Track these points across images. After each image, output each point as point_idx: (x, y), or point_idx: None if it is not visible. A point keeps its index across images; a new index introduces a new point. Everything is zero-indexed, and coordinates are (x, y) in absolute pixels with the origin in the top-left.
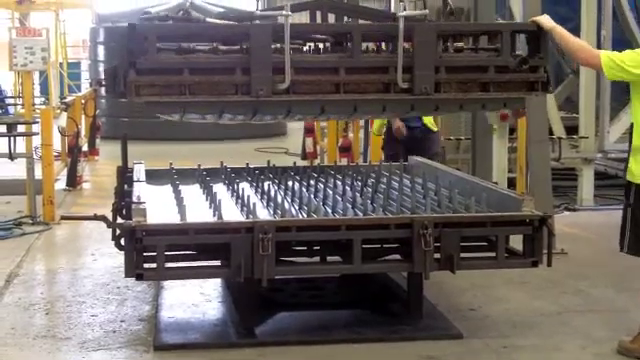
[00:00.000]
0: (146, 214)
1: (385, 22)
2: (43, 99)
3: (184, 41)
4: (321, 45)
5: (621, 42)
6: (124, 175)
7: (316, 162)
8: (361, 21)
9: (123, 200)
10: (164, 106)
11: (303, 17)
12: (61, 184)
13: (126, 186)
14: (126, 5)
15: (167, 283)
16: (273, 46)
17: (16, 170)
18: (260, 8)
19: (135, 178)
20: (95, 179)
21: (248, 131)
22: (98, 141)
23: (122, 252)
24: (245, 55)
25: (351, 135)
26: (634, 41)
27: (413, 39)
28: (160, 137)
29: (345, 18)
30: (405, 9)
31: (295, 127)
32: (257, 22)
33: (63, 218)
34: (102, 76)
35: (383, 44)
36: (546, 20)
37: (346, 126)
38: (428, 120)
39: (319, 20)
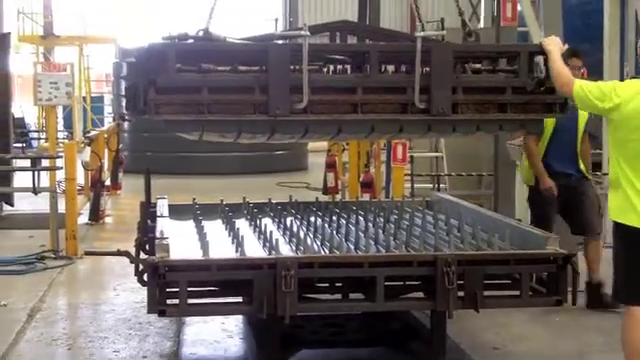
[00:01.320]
0: (169, 250)
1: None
2: (66, 133)
3: (204, 60)
4: (340, 67)
5: None
6: (147, 210)
7: (338, 197)
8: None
9: (146, 235)
10: (183, 124)
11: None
12: (83, 218)
13: (149, 221)
14: (149, 40)
15: (189, 319)
16: (292, 67)
17: (39, 204)
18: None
19: (158, 213)
20: (117, 213)
21: (269, 165)
22: (121, 175)
23: (145, 287)
24: (263, 74)
25: (373, 170)
26: None
27: (430, 59)
28: (182, 171)
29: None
30: (423, 29)
31: (316, 161)
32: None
33: (87, 253)
34: (125, 110)
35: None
36: (547, 42)
37: (368, 161)
38: (584, 165)
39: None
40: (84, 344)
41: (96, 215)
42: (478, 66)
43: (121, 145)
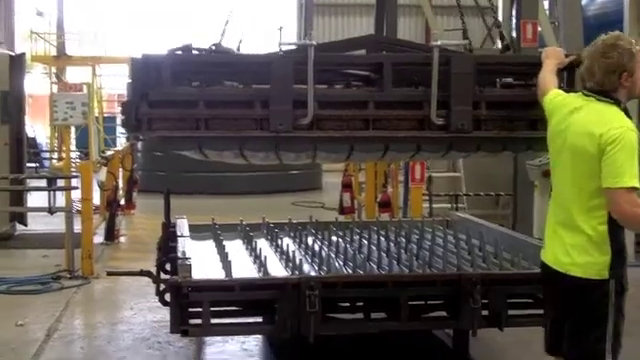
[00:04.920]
0: (191, 270)
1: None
2: (78, 153)
3: (202, 73)
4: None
5: None
6: (167, 230)
7: (354, 217)
8: None
9: (166, 255)
10: (179, 141)
11: None
12: (98, 238)
13: (169, 241)
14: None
15: (209, 338)
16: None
17: (52, 224)
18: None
19: (178, 233)
20: (132, 233)
21: (284, 185)
22: (135, 195)
23: (163, 307)
24: (264, 87)
25: (390, 190)
26: None
27: (449, 71)
28: (195, 191)
29: None
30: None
31: (330, 181)
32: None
33: (109, 274)
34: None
35: None
36: (545, 52)
37: (385, 181)
38: None
39: None
40: None
41: (112, 235)
42: (509, 80)
43: (135, 165)
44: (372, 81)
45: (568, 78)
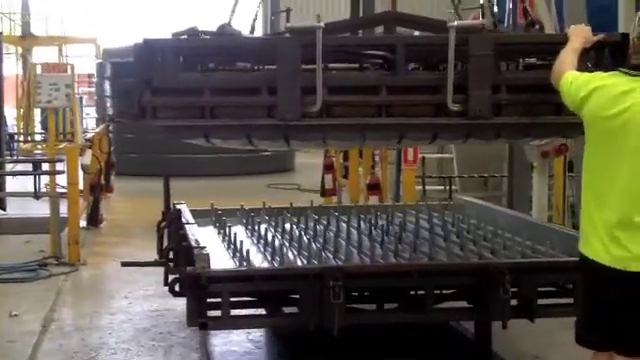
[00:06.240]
0: (209, 260)
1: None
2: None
3: (207, 58)
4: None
5: None
6: (168, 216)
7: (334, 199)
8: None
9: (175, 243)
10: (184, 130)
11: None
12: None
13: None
14: (132, 40)
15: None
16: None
17: (30, 208)
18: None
19: (183, 220)
20: (111, 217)
21: (256, 167)
22: (112, 178)
23: (158, 296)
24: (271, 73)
25: (378, 171)
26: None
27: (467, 53)
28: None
29: None
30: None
31: (302, 162)
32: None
33: (124, 264)
34: (110, 111)
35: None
36: (572, 30)
37: (373, 163)
38: None
39: None
40: (108, 357)
41: (95, 220)
42: (532, 61)
43: (112, 147)
44: (389, 61)
45: (597, 58)
